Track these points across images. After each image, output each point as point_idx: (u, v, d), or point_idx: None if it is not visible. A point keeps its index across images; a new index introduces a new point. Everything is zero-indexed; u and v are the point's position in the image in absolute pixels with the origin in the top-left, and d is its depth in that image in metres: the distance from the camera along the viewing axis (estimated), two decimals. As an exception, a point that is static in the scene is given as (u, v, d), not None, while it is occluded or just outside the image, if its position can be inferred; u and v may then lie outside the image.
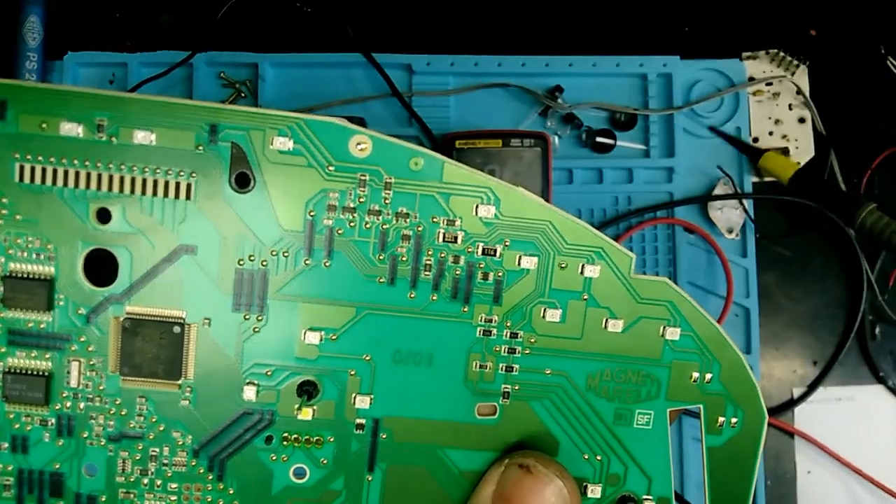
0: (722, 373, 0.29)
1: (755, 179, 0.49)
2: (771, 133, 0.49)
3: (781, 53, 0.49)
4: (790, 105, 0.49)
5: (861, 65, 0.50)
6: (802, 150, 0.49)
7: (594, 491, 0.29)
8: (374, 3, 0.49)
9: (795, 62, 0.49)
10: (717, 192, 0.48)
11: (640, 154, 0.49)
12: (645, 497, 0.30)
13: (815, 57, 0.49)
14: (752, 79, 0.49)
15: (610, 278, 0.28)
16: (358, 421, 0.29)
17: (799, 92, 0.48)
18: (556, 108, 0.47)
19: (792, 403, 0.50)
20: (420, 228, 0.28)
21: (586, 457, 0.29)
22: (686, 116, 0.48)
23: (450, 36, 0.49)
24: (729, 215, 0.48)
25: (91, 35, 0.49)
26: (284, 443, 0.28)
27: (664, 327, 0.29)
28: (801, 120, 0.49)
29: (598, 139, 0.47)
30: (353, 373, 0.28)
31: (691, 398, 0.29)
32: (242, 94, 0.48)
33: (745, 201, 0.47)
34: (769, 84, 0.49)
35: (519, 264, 0.28)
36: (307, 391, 0.28)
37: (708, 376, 0.29)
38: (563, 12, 0.49)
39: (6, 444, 0.28)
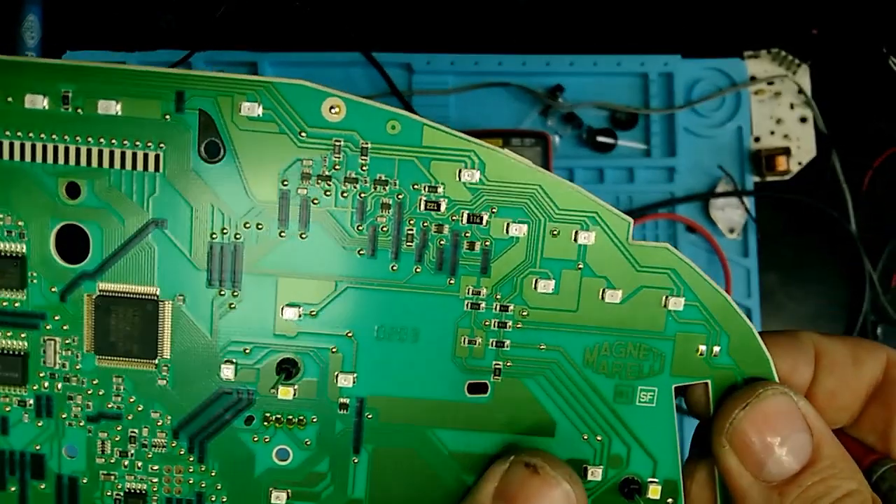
0: (731, 345, 0.27)
1: (756, 179, 0.48)
2: (772, 132, 0.49)
3: (783, 53, 0.48)
4: (792, 104, 0.49)
5: (863, 64, 0.50)
6: (804, 149, 0.49)
7: (595, 473, 0.28)
8: (373, 2, 0.49)
9: (797, 61, 0.49)
10: (717, 191, 0.47)
11: (640, 153, 0.48)
12: (650, 480, 0.28)
13: (816, 56, 0.49)
14: (753, 78, 0.49)
15: (606, 245, 0.26)
16: (341, 400, 0.27)
17: (800, 91, 0.49)
18: (556, 108, 0.47)
19: None
20: (400, 196, 0.26)
21: (585, 437, 0.28)
22: (687, 116, 0.48)
23: (450, 35, 0.49)
24: (730, 215, 0.47)
25: (89, 34, 0.49)
26: (266, 423, 0.27)
27: (666, 297, 0.27)
28: (803, 119, 0.49)
29: (599, 138, 0.47)
30: (334, 350, 0.27)
31: (698, 373, 0.27)
32: None
33: (746, 201, 0.47)
34: (771, 83, 0.49)
35: (507, 232, 0.26)
36: (286, 369, 0.27)
37: (716, 349, 0.27)
38: (564, 11, 0.49)
39: (-13, 426, 0.27)
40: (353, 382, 0.27)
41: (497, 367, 0.27)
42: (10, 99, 0.26)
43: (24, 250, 0.26)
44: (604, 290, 0.27)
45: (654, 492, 0.28)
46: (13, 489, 0.28)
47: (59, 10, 0.48)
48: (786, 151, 0.47)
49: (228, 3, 0.47)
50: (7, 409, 0.27)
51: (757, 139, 0.48)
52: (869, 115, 0.49)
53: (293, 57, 0.47)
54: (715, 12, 0.49)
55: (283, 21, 0.48)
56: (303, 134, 0.26)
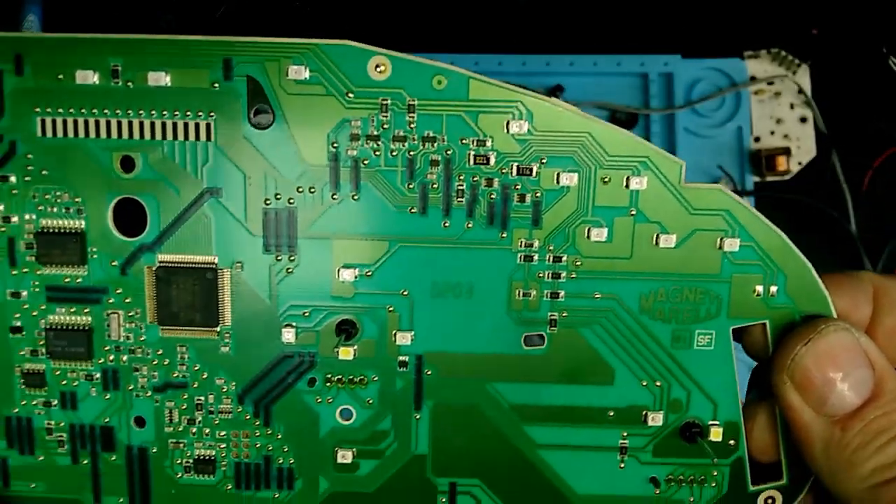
0: (788, 284, 0.27)
1: (756, 179, 0.48)
2: (772, 132, 0.48)
3: (783, 53, 0.48)
4: (792, 104, 0.49)
5: (863, 64, 0.49)
6: (804, 149, 0.48)
7: (655, 419, 0.28)
8: (373, 2, 0.48)
9: (797, 61, 0.48)
10: None
11: None
12: (711, 422, 0.28)
13: (816, 56, 0.49)
14: (753, 78, 0.48)
15: (659, 190, 0.26)
16: (400, 358, 0.28)
17: (800, 91, 0.48)
18: None
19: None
20: (449, 152, 0.26)
21: (644, 383, 0.28)
22: (687, 116, 0.48)
23: (450, 34, 0.48)
24: None
25: (92, 33, 0.49)
26: (328, 384, 0.28)
27: (721, 239, 0.26)
28: (803, 119, 0.49)
29: None
30: (391, 309, 0.27)
31: (756, 314, 0.27)
32: None
33: (746, 201, 0.47)
34: (771, 83, 0.49)
35: (558, 182, 0.26)
36: (346, 330, 0.27)
37: (773, 289, 0.27)
38: (564, 11, 0.49)
39: (56, 401, 0.28)
40: (411, 340, 0.27)
41: (553, 318, 0.27)
42: (60, 76, 0.26)
43: (82, 226, 0.27)
44: (657, 235, 0.27)
45: (716, 434, 0.28)
46: (85, 462, 0.29)
47: (59, 10, 0.49)
48: (786, 151, 0.47)
49: (228, 3, 0.47)
50: (75, 383, 0.28)
51: (757, 139, 0.48)
52: (869, 115, 0.49)
53: None
54: (715, 12, 0.49)
55: (283, 21, 0.49)
56: (350, 94, 0.26)
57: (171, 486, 0.29)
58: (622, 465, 0.28)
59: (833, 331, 0.26)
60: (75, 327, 0.27)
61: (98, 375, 0.28)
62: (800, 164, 0.48)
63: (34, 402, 0.28)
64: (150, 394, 0.28)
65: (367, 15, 0.47)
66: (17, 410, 0.28)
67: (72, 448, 0.28)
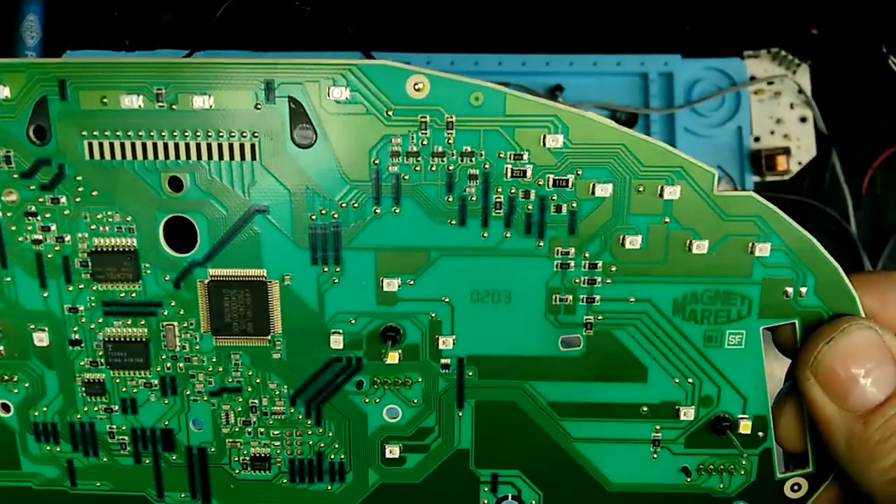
0: (818, 285, 0.28)
1: (756, 179, 0.48)
2: (772, 132, 0.48)
3: (783, 52, 0.47)
4: (791, 104, 0.48)
5: (863, 64, 0.48)
6: (804, 149, 0.48)
7: (687, 413, 0.29)
8: (373, 2, 0.48)
9: (797, 61, 0.47)
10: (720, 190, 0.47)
11: None
12: (741, 416, 0.29)
13: (816, 56, 0.48)
14: (753, 78, 0.48)
15: (692, 198, 0.27)
16: (443, 361, 0.29)
17: (800, 91, 0.48)
18: None
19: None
20: (487, 166, 0.27)
21: (677, 381, 0.29)
22: (687, 115, 0.47)
23: (450, 34, 0.48)
24: None
25: (89, 34, 0.48)
26: (374, 386, 0.29)
27: (753, 244, 0.27)
28: (803, 119, 0.48)
29: None
30: (433, 315, 0.28)
31: (786, 314, 0.28)
32: None
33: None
34: (770, 83, 0.48)
35: (593, 193, 0.27)
36: (391, 336, 0.28)
37: (803, 290, 0.28)
38: (564, 11, 0.48)
39: (117, 407, 0.30)
40: (453, 344, 0.29)
41: (588, 321, 0.28)
42: (105, 100, 0.27)
43: (135, 244, 0.28)
44: (690, 241, 0.27)
45: (745, 427, 0.29)
46: (147, 461, 0.30)
47: (59, 10, 0.48)
48: (786, 151, 0.47)
49: (228, 3, 0.46)
50: (134, 391, 0.30)
51: (757, 139, 0.48)
52: (869, 115, 0.48)
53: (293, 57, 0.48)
54: (715, 12, 0.48)
55: (282, 21, 0.48)
56: (389, 112, 0.26)
57: (229, 481, 0.30)
58: (655, 456, 0.30)
59: (856, 329, 0.27)
60: (133, 339, 0.29)
61: (156, 382, 0.29)
62: (800, 163, 0.48)
63: (96, 409, 0.30)
64: (206, 398, 0.29)
65: (367, 15, 0.47)
66: (79, 416, 0.30)
67: (134, 449, 0.30)
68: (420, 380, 0.29)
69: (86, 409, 0.30)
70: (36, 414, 0.30)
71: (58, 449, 0.30)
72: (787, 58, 0.47)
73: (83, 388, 0.29)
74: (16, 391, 0.30)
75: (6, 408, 0.30)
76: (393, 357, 0.29)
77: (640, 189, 0.27)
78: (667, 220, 0.27)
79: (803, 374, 0.27)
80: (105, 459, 0.30)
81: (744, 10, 0.48)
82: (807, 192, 0.48)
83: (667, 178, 0.27)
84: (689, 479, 0.30)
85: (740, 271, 0.28)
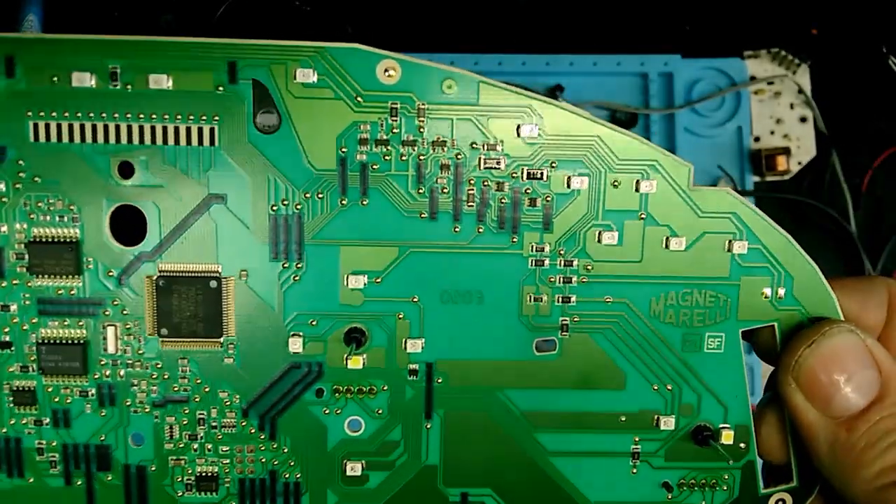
0: (795, 286, 0.27)
1: (756, 179, 0.48)
2: (772, 132, 0.48)
3: (783, 52, 0.48)
4: (791, 104, 0.49)
5: (863, 64, 0.49)
6: (804, 149, 0.48)
7: (667, 423, 0.28)
8: (373, 2, 0.48)
9: (797, 61, 0.48)
10: None
11: None
12: (722, 426, 0.28)
13: (816, 56, 0.49)
14: (753, 78, 0.48)
15: (668, 193, 0.26)
16: (411, 367, 0.27)
17: (800, 91, 0.48)
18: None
19: None
20: (459, 156, 0.26)
21: (656, 387, 0.28)
22: (687, 115, 0.48)
23: (450, 34, 0.48)
24: None
25: (89, 34, 0.49)
26: (336, 395, 0.27)
27: (730, 241, 0.27)
28: (803, 119, 0.48)
29: None
30: (401, 316, 0.27)
31: (764, 316, 0.27)
32: None
33: (748, 201, 0.48)
34: (770, 83, 0.49)
35: (568, 186, 0.26)
36: (355, 339, 0.27)
37: (781, 291, 0.27)
38: (564, 11, 0.49)
39: (48, 420, 0.27)
40: (422, 348, 0.27)
41: (564, 323, 0.27)
42: (55, 79, 0.25)
43: (77, 235, 0.26)
44: (667, 239, 0.27)
45: (728, 437, 0.28)
46: (79, 483, 0.27)
47: (59, 10, 0.47)
48: (786, 151, 0.47)
49: (228, 3, 0.46)
50: (68, 400, 0.27)
51: (757, 139, 0.48)
52: (869, 115, 0.49)
53: None
54: (715, 12, 0.49)
55: (282, 21, 0.48)
56: (359, 98, 0.25)
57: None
58: (634, 471, 0.28)
59: (837, 332, 0.26)
60: (69, 341, 0.26)
61: (93, 392, 0.27)
62: (800, 163, 0.48)
63: (24, 422, 0.27)
64: (148, 409, 0.27)
65: (367, 15, 0.47)
66: (5, 430, 0.27)
67: (65, 468, 0.27)
68: (385, 388, 0.27)
69: (12, 421, 0.27)
70: (-48, 429, 0.27)
71: (-25, 470, 0.27)
72: (787, 58, 0.48)
73: (11, 398, 0.26)
74: (-70, 402, 0.27)
75: (-83, 422, 0.27)
76: (356, 361, 0.27)
77: (616, 183, 0.26)
78: (643, 215, 0.26)
79: (784, 380, 0.26)
80: (31, 480, 0.27)
81: (744, 10, 0.49)
82: (807, 192, 0.48)
83: (642, 172, 0.26)
84: (670, 496, 0.28)
85: (718, 270, 0.27)
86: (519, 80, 0.46)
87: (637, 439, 0.28)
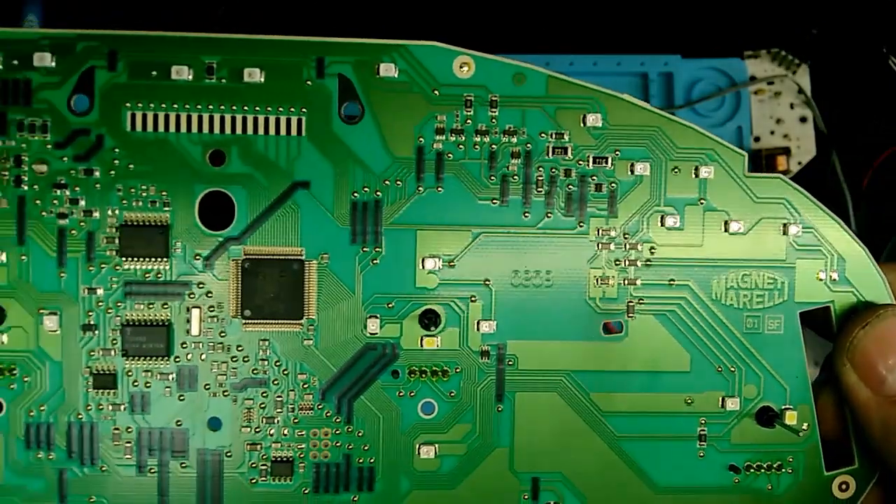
0: (848, 268, 0.28)
1: None
2: (772, 132, 0.49)
3: (783, 52, 0.48)
4: (791, 104, 0.49)
5: (862, 64, 0.50)
6: (804, 149, 0.49)
7: (733, 403, 0.28)
8: (373, 2, 0.48)
9: (797, 61, 0.48)
10: None
11: None
12: (785, 406, 0.28)
13: (816, 56, 0.49)
14: (753, 78, 0.48)
15: (725, 179, 0.28)
16: (483, 348, 0.28)
17: (800, 91, 0.48)
18: None
19: None
20: (529, 145, 0.28)
21: (719, 369, 0.28)
22: (687, 115, 0.48)
23: (450, 34, 0.49)
24: None
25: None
26: (410, 376, 0.28)
27: (785, 225, 0.28)
28: (803, 119, 0.49)
29: None
30: (474, 298, 0.28)
31: (821, 297, 0.28)
32: None
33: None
34: (770, 83, 0.49)
35: (632, 172, 0.28)
36: (430, 320, 0.27)
37: (834, 274, 0.28)
38: (564, 11, 0.49)
39: (125, 404, 0.27)
40: (494, 329, 0.28)
41: (630, 304, 0.28)
42: (154, 73, 0.27)
43: (168, 219, 0.27)
44: (727, 223, 0.28)
45: (791, 417, 0.28)
46: (153, 472, 0.27)
47: (59, 10, 0.47)
48: (786, 151, 0.48)
49: (228, 3, 0.46)
50: (147, 384, 0.27)
51: (757, 139, 0.48)
52: (869, 115, 0.49)
53: None
54: (715, 12, 0.49)
55: (282, 21, 0.48)
56: (436, 91, 0.27)
57: (245, 493, 0.27)
58: (702, 455, 0.28)
59: (891, 315, 0.27)
60: (154, 323, 0.27)
61: (174, 375, 0.27)
62: (800, 163, 0.48)
63: (100, 407, 0.27)
64: (228, 392, 0.27)
65: (367, 14, 0.47)
66: (80, 416, 0.27)
67: (139, 455, 0.27)
68: (458, 370, 0.28)
69: (89, 407, 0.27)
70: (31, 414, 0.27)
71: (50, 456, 0.27)
72: (787, 58, 0.48)
73: (90, 381, 0.27)
74: (12, 387, 0.27)
75: (-2, 407, 0.27)
76: (431, 342, 0.27)
77: (676, 170, 0.28)
78: (703, 200, 0.28)
79: (840, 361, 0.27)
80: (104, 469, 0.27)
81: (744, 10, 0.49)
82: (807, 193, 0.49)
83: (700, 159, 0.28)
84: (737, 479, 0.28)
85: (775, 253, 0.28)
86: None
87: (703, 421, 0.28)
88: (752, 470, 0.29)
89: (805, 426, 0.28)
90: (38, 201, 0.27)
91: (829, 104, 0.48)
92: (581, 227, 0.28)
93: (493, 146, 0.28)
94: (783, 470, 0.29)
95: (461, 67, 0.27)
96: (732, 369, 0.28)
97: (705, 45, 0.48)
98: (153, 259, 0.27)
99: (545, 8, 0.48)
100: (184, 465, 0.27)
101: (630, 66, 0.47)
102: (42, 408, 0.27)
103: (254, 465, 0.27)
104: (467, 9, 0.48)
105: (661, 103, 0.47)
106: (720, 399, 0.28)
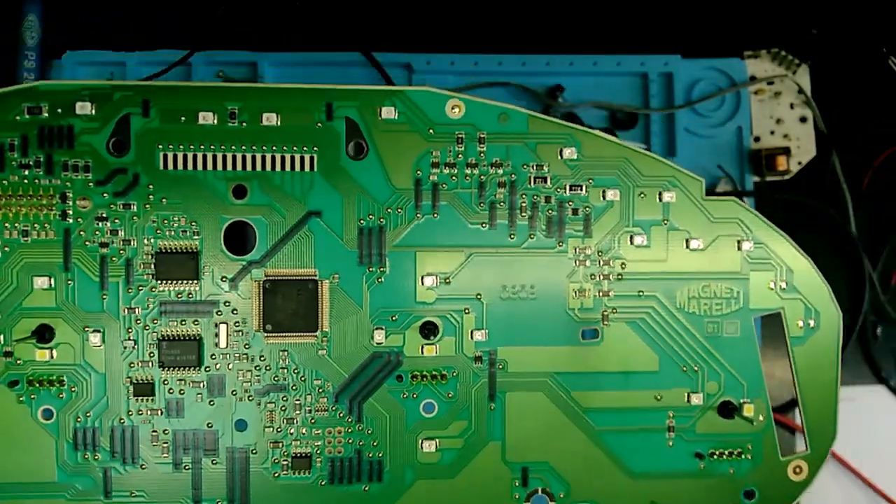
0: (794, 278, 0.32)
1: (756, 179, 0.48)
2: (772, 132, 0.48)
3: (783, 52, 0.48)
4: (791, 104, 0.48)
5: (863, 64, 0.49)
6: (804, 149, 0.48)
7: (697, 398, 0.32)
8: (373, 2, 0.48)
9: (797, 61, 0.48)
10: (718, 191, 0.47)
11: None
12: (743, 400, 0.32)
13: (816, 56, 0.48)
14: (753, 78, 0.48)
15: (685, 202, 0.32)
16: (476, 354, 0.32)
17: (800, 91, 0.48)
18: (556, 108, 0.46)
19: (794, 404, 0.44)
20: (513, 175, 0.32)
21: (685, 369, 0.32)
22: (687, 115, 0.47)
23: (450, 35, 0.48)
24: None
25: (89, 34, 0.47)
26: (413, 380, 0.31)
27: (739, 242, 0.32)
28: (803, 119, 0.48)
29: None
30: (467, 310, 0.32)
31: (772, 304, 0.32)
32: None
33: (746, 201, 0.46)
34: (770, 83, 0.48)
35: (604, 198, 0.32)
36: (429, 331, 0.31)
37: (783, 283, 0.32)
38: (564, 11, 0.49)
39: (162, 409, 0.31)
40: (486, 337, 0.31)
41: (605, 313, 0.32)
42: (183, 118, 0.30)
43: (197, 246, 0.31)
44: (688, 240, 0.32)
45: (749, 410, 0.32)
46: (187, 468, 0.31)
47: (59, 10, 0.47)
48: (786, 151, 0.47)
49: (228, 3, 0.46)
50: (181, 391, 0.31)
51: (757, 139, 0.48)
52: (869, 115, 0.49)
53: (293, 57, 0.45)
54: (715, 12, 0.49)
55: (283, 21, 0.48)
56: (431, 130, 0.31)
57: (269, 485, 0.31)
58: (671, 444, 0.32)
59: None
60: (186, 338, 0.31)
61: (204, 382, 0.31)
62: (800, 163, 0.47)
63: (140, 413, 0.31)
64: (252, 397, 0.31)
65: (367, 15, 0.47)
66: (123, 420, 0.31)
67: (174, 454, 0.31)
68: (455, 373, 0.32)
69: (130, 412, 0.31)
70: (78, 419, 0.31)
71: (97, 457, 0.31)
72: (787, 58, 0.47)
73: (130, 390, 0.31)
74: (62, 396, 0.30)
75: (48, 414, 0.31)
76: (430, 350, 0.31)
77: (642, 195, 0.32)
78: (666, 221, 0.32)
79: None
80: (144, 467, 0.31)
81: (744, 11, 0.48)
82: (807, 192, 0.47)
83: (663, 185, 0.32)
84: (702, 465, 0.32)
85: (731, 266, 0.32)
86: (519, 80, 0.46)
87: (671, 414, 0.32)
88: (715, 456, 0.32)
89: (761, 417, 0.32)
90: (82, 232, 0.30)
91: (829, 104, 0.48)
92: (560, 246, 0.32)
93: (482, 177, 0.31)
94: (743, 456, 0.32)
95: (453, 109, 0.31)
96: (696, 368, 0.32)
97: (705, 45, 0.48)
98: (185, 281, 0.31)
99: (545, 8, 0.48)
100: (215, 461, 0.31)
101: (630, 66, 0.47)
102: (88, 414, 0.31)
103: (276, 461, 0.31)
104: (467, 9, 0.48)
105: (661, 103, 0.47)
106: (686, 395, 0.32)
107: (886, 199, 0.49)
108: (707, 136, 0.48)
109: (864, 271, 0.48)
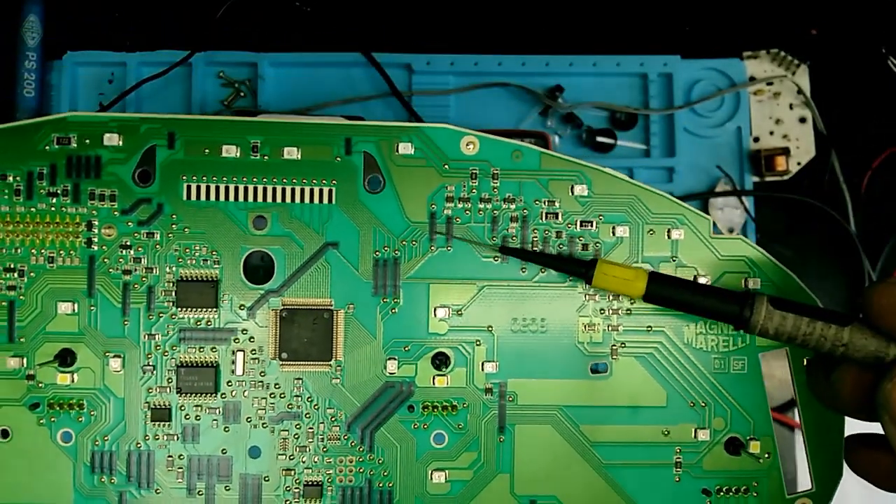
0: (801, 316, 0.33)
1: (756, 179, 0.48)
2: (772, 133, 0.48)
3: (782, 53, 0.48)
4: (791, 105, 0.48)
5: (862, 65, 0.49)
6: (803, 149, 0.48)
7: (704, 434, 0.32)
8: (373, 2, 0.48)
9: (796, 62, 0.48)
10: (717, 191, 0.48)
11: (640, 154, 0.48)
12: (749, 437, 0.33)
13: (816, 56, 0.49)
14: (752, 78, 0.48)
15: (693, 240, 0.33)
16: (487, 386, 0.32)
17: (800, 91, 0.48)
18: (556, 108, 0.47)
19: (794, 403, 0.43)
20: (525, 211, 0.32)
21: (692, 404, 0.33)
22: (687, 116, 0.48)
23: (450, 35, 0.48)
24: (730, 215, 0.48)
25: (89, 34, 0.47)
26: (424, 411, 0.32)
27: (745, 279, 0.33)
28: (802, 119, 0.48)
29: (599, 139, 0.47)
30: (478, 342, 0.32)
31: (778, 343, 0.33)
32: (242, 94, 0.46)
33: (745, 201, 0.47)
34: (770, 84, 0.48)
35: (613, 234, 0.32)
36: (441, 362, 0.32)
37: (789, 321, 0.33)
38: (564, 11, 0.49)
39: (178, 434, 0.31)
40: (496, 369, 0.32)
41: (614, 348, 0.33)
42: (206, 150, 0.32)
43: (217, 275, 0.32)
44: (695, 277, 0.33)
45: (755, 447, 0.32)
46: (200, 494, 0.31)
47: (59, 10, 0.47)
48: (785, 151, 0.47)
49: (228, 3, 0.46)
50: (198, 417, 0.31)
51: (756, 139, 0.48)
52: (869, 115, 0.49)
53: (293, 57, 0.46)
54: (714, 13, 0.49)
55: (283, 21, 0.48)
56: (446, 166, 0.32)
57: (280, 511, 0.32)
58: (678, 480, 0.33)
59: None
60: (204, 364, 0.31)
61: (220, 409, 0.31)
62: (799, 164, 0.47)
63: (156, 437, 0.31)
64: (266, 424, 0.32)
65: (367, 15, 0.48)
66: (139, 444, 0.31)
67: (189, 479, 0.31)
68: (465, 405, 0.32)
69: (147, 437, 0.31)
70: (97, 443, 0.31)
71: (113, 480, 0.31)
72: (786, 58, 0.48)
73: (148, 415, 0.31)
74: (81, 419, 0.31)
75: (67, 437, 0.31)
76: (442, 381, 0.32)
77: (651, 232, 0.33)
78: (674, 257, 0.33)
79: (883, 419, 0.28)
80: (158, 491, 0.31)
81: (744, 11, 0.49)
82: (806, 193, 0.47)
83: (672, 223, 0.33)
84: (709, 502, 0.33)
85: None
86: (518, 80, 0.46)
87: (678, 450, 0.33)
88: (722, 493, 0.33)
89: (767, 454, 0.33)
90: (106, 260, 0.31)
91: (829, 105, 0.48)
92: (571, 280, 0.32)
93: (495, 212, 0.32)
94: (749, 493, 0.33)
95: (467, 145, 0.32)
96: (703, 404, 0.33)
97: (705, 46, 0.48)
98: (204, 309, 0.31)
99: (545, 8, 0.49)
100: (228, 487, 0.32)
101: (629, 66, 0.48)
102: (106, 438, 0.31)
103: (288, 489, 0.32)
104: (467, 10, 0.49)
105: (660, 104, 0.47)
106: (693, 430, 0.33)
107: (886, 199, 0.48)
108: (706, 137, 0.48)
109: (864, 271, 0.47)
